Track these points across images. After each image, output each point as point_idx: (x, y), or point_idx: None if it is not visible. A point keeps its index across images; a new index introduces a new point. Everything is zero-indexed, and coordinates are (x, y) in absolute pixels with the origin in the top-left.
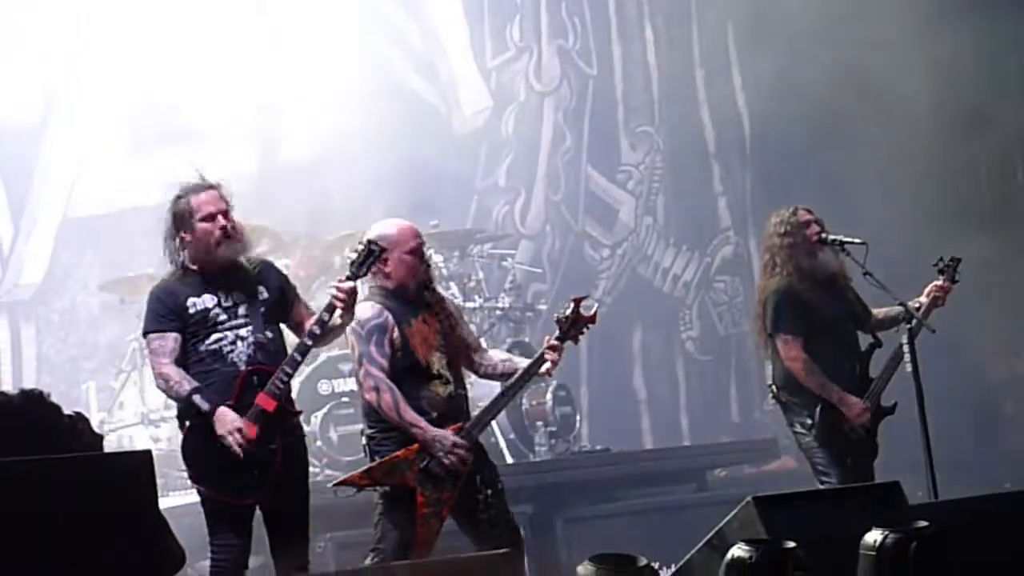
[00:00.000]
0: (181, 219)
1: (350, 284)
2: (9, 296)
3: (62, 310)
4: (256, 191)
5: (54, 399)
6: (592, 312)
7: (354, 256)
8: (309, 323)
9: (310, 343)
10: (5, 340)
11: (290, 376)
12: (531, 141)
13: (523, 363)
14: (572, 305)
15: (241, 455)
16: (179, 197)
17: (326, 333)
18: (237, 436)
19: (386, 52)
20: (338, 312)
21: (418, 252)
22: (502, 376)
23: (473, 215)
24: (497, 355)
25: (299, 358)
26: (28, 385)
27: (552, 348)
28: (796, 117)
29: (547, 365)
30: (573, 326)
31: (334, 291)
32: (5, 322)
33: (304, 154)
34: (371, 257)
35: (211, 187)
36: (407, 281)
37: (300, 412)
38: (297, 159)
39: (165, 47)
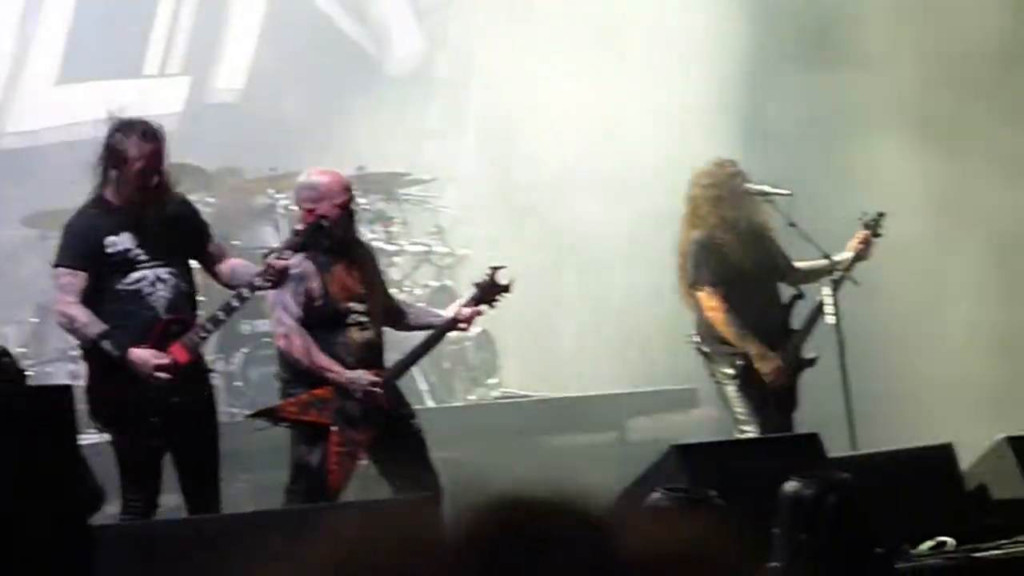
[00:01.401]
0: (116, 157)
1: (285, 263)
2: None
3: None
4: (182, 127)
5: None
6: (507, 282)
7: (300, 228)
8: (223, 264)
9: (237, 304)
10: None
11: (211, 332)
12: (463, 84)
13: (438, 319)
14: (490, 272)
15: (166, 382)
16: (117, 132)
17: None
18: (160, 374)
19: None
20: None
21: (346, 205)
22: (416, 327)
23: (403, 157)
24: (417, 307)
25: (223, 316)
26: None
27: (467, 310)
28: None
29: (462, 325)
30: (489, 292)
31: (272, 264)
32: None
33: (231, 91)
34: (319, 234)
35: (156, 138)
36: (333, 232)
37: (212, 370)
38: (224, 96)
39: None
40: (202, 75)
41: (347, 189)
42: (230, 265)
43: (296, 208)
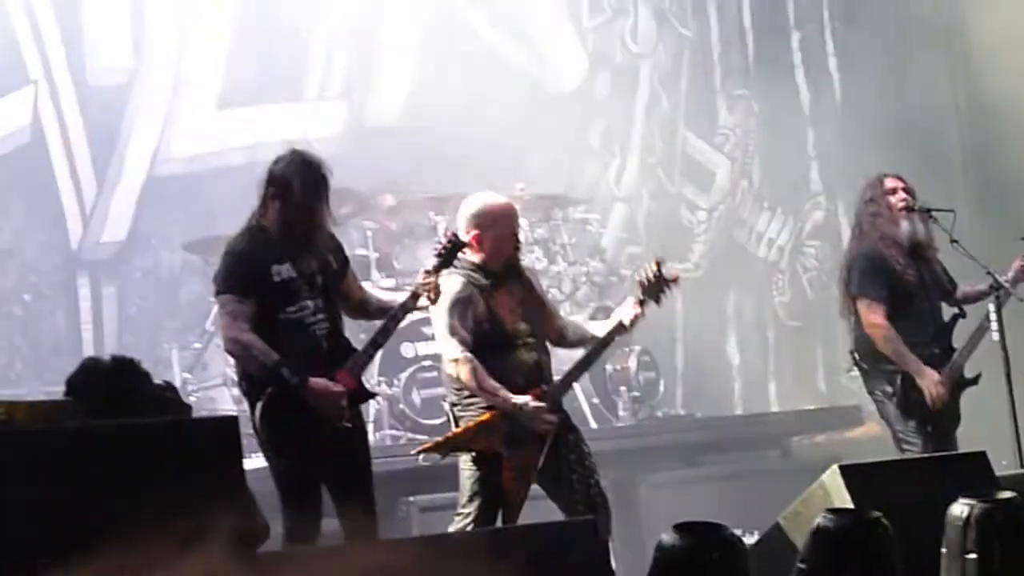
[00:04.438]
0: (280, 185)
1: (434, 279)
2: (91, 254)
3: (145, 269)
4: (341, 152)
5: (138, 359)
6: (674, 274)
7: (439, 248)
8: (358, 296)
9: (393, 327)
10: (87, 298)
11: (372, 357)
12: (626, 103)
13: (600, 327)
14: (654, 266)
15: (344, 414)
16: (283, 160)
17: (403, 318)
18: (339, 404)
19: (473, 15)
20: (421, 302)
21: (515, 233)
22: (580, 343)
23: (566, 178)
24: (574, 322)
25: (382, 341)
26: (111, 344)
27: (633, 309)
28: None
29: (628, 319)
30: (655, 287)
31: (420, 283)
32: (86, 280)
33: (390, 116)
34: (455, 250)
35: (320, 169)
36: (497, 259)
37: (376, 395)
38: (383, 120)
39: (254, 4)
40: (360, 99)
41: (514, 217)
42: (365, 294)
43: (458, 232)
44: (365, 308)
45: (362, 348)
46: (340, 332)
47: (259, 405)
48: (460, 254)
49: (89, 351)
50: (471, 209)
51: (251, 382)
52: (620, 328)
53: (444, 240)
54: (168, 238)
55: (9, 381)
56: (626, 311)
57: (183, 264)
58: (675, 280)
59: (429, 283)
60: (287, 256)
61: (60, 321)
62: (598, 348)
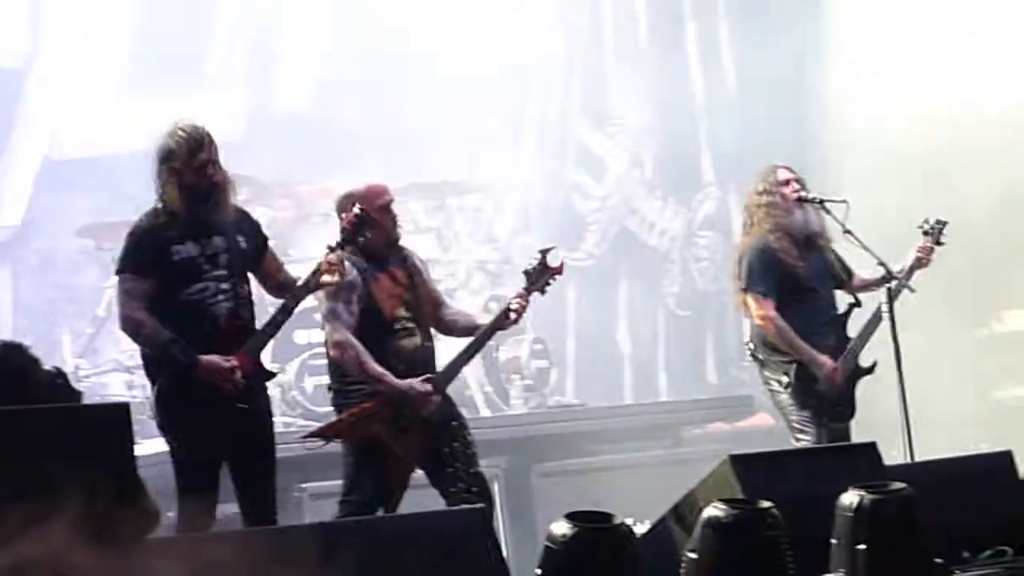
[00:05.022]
0: (168, 156)
1: (338, 255)
2: None
3: (41, 252)
4: (244, 139)
5: (30, 343)
6: (559, 263)
7: (344, 225)
8: (279, 276)
9: (293, 305)
10: None
11: (271, 336)
12: (521, 91)
13: (485, 320)
14: (539, 256)
15: (237, 388)
16: (170, 137)
17: (304, 296)
18: (230, 379)
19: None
20: (324, 278)
21: (387, 209)
22: (465, 330)
23: (462, 165)
24: (458, 311)
25: (282, 320)
26: (4, 328)
27: (518, 297)
28: (782, 76)
29: (512, 315)
30: (540, 277)
31: (324, 260)
32: None
33: (292, 102)
34: (363, 227)
35: (202, 134)
36: (378, 242)
37: (275, 374)
38: (285, 107)
39: None
40: (264, 84)
41: (385, 192)
42: (284, 274)
43: (340, 217)
44: (284, 286)
45: (262, 327)
46: (242, 313)
47: (156, 386)
48: (367, 235)
49: None
50: (341, 195)
51: (151, 364)
52: (504, 317)
53: (351, 215)
54: (65, 223)
55: None
56: (512, 301)
57: (80, 249)
58: (559, 270)
59: (333, 259)
60: (189, 236)
61: None
62: (483, 337)
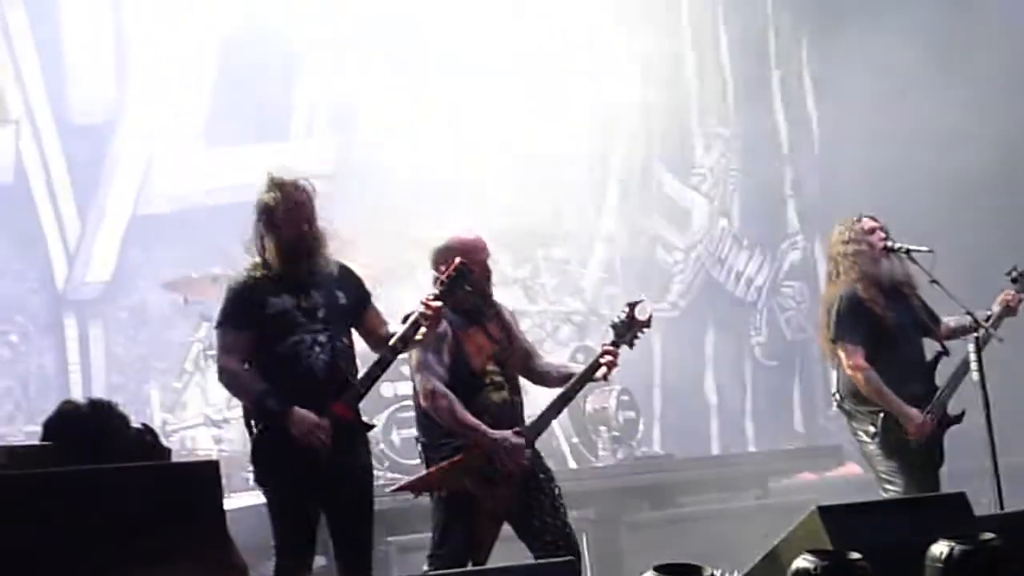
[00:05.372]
0: (267, 212)
1: (439, 304)
2: (76, 294)
3: (131, 308)
4: (328, 190)
5: (123, 399)
6: (647, 316)
7: (443, 276)
8: (382, 331)
9: (391, 358)
10: (73, 339)
11: (368, 388)
12: (606, 143)
13: (578, 368)
14: (627, 309)
15: (325, 444)
16: (267, 189)
17: (402, 350)
18: (319, 434)
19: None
20: (423, 330)
21: (484, 264)
22: (557, 381)
23: (547, 218)
24: (552, 362)
25: (379, 372)
26: (98, 385)
27: (607, 353)
28: (866, 123)
29: (602, 370)
30: (628, 330)
31: (422, 309)
32: (73, 320)
33: (376, 154)
34: (462, 279)
35: (303, 190)
36: (471, 292)
37: (373, 427)
38: (369, 160)
39: (239, 45)
40: (347, 138)
41: (483, 249)
42: (386, 330)
43: (433, 272)
44: (385, 342)
45: (359, 379)
46: (341, 366)
47: (253, 438)
48: (466, 287)
49: (77, 392)
50: (439, 244)
51: (245, 415)
52: (595, 370)
53: (449, 267)
54: (153, 277)
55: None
56: (602, 356)
57: (170, 304)
58: (648, 323)
59: (433, 307)
60: (285, 289)
61: (48, 361)
62: (572, 390)
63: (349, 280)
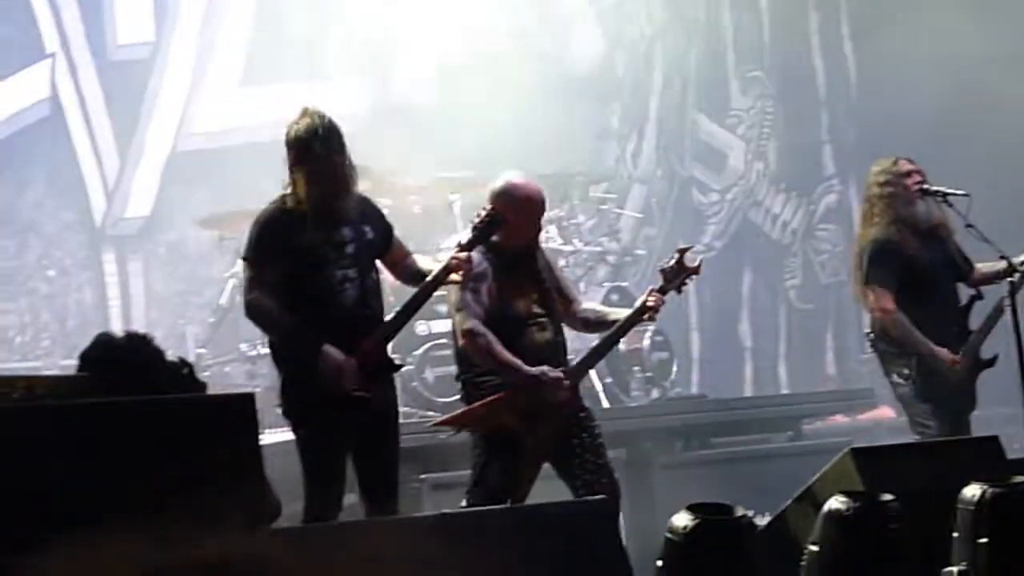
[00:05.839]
0: (299, 148)
1: (468, 253)
2: (115, 229)
3: (169, 244)
4: (366, 129)
5: (161, 333)
6: (696, 263)
7: (476, 221)
8: (407, 262)
9: (423, 298)
10: (112, 274)
11: (399, 328)
12: (643, 84)
13: (618, 313)
14: (676, 255)
15: (349, 392)
16: (298, 124)
17: (432, 291)
18: (344, 379)
19: None
20: (452, 276)
21: (539, 218)
22: (594, 326)
23: (586, 158)
24: (591, 306)
25: (411, 312)
26: (138, 320)
27: (653, 297)
28: (906, 67)
29: (648, 314)
30: (676, 276)
31: (454, 258)
32: (112, 256)
33: (415, 93)
34: (493, 225)
35: (331, 127)
36: (516, 242)
37: (401, 367)
38: (408, 98)
39: None
40: (385, 75)
41: (542, 203)
42: (411, 262)
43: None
44: (413, 275)
45: (389, 319)
46: (370, 302)
47: (282, 375)
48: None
49: (116, 327)
50: (498, 187)
51: (277, 352)
52: (640, 314)
53: (483, 214)
54: (192, 214)
55: (36, 357)
56: (648, 297)
57: (209, 240)
58: (697, 270)
59: (463, 257)
60: (315, 225)
61: (87, 297)
62: (616, 334)
63: (373, 214)
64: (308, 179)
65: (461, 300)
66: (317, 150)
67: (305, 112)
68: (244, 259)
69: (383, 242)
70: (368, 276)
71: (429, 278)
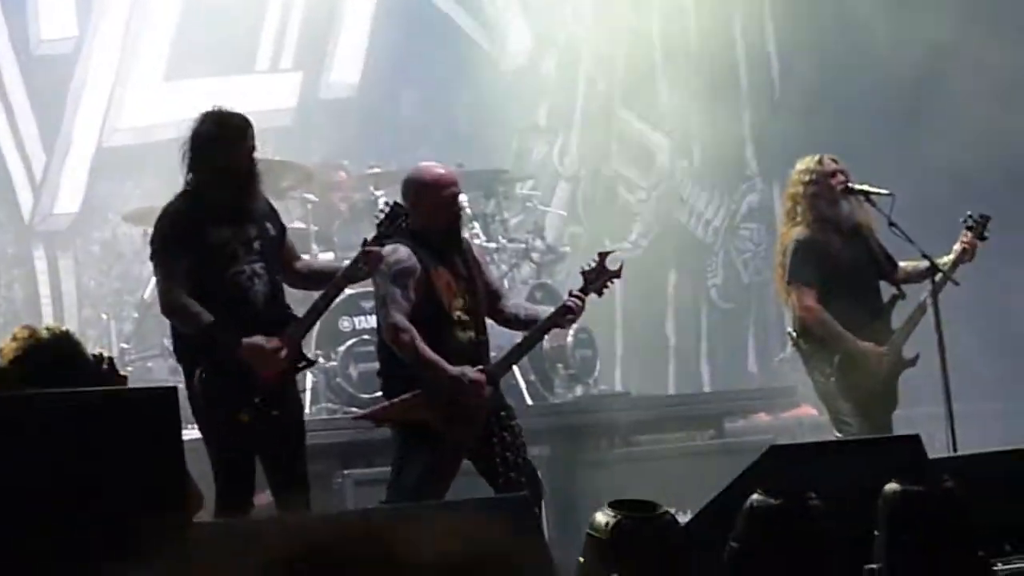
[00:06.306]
0: (203, 146)
1: (378, 249)
2: (44, 225)
3: (103, 241)
4: (293, 125)
5: (95, 332)
6: (617, 267)
7: (381, 217)
8: (296, 264)
9: (335, 293)
10: (43, 272)
11: (313, 323)
12: (570, 82)
13: (544, 312)
14: (598, 258)
15: (283, 368)
16: (204, 123)
17: (344, 287)
18: (276, 358)
19: None
20: (362, 271)
21: (452, 201)
22: (523, 324)
23: (513, 154)
24: (518, 303)
25: (323, 307)
26: (71, 318)
27: (574, 299)
28: (828, 64)
29: (569, 316)
30: (597, 279)
31: (366, 250)
32: (42, 252)
33: (345, 86)
34: (397, 220)
35: (238, 123)
36: (438, 227)
37: (315, 362)
38: (337, 91)
39: None
40: (315, 70)
41: (452, 183)
42: (307, 262)
43: (401, 202)
44: (302, 276)
45: (303, 314)
46: (279, 298)
47: (195, 375)
48: (403, 225)
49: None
50: (407, 176)
51: (185, 351)
52: (561, 315)
53: (386, 209)
54: (123, 210)
55: None
56: (568, 299)
57: (127, 236)
58: (618, 273)
59: (371, 252)
60: (223, 219)
61: (16, 294)
62: (537, 334)
63: (273, 212)
64: (214, 177)
65: (388, 295)
66: (223, 148)
67: (207, 111)
68: (153, 254)
69: (279, 241)
70: (276, 272)
71: (340, 273)
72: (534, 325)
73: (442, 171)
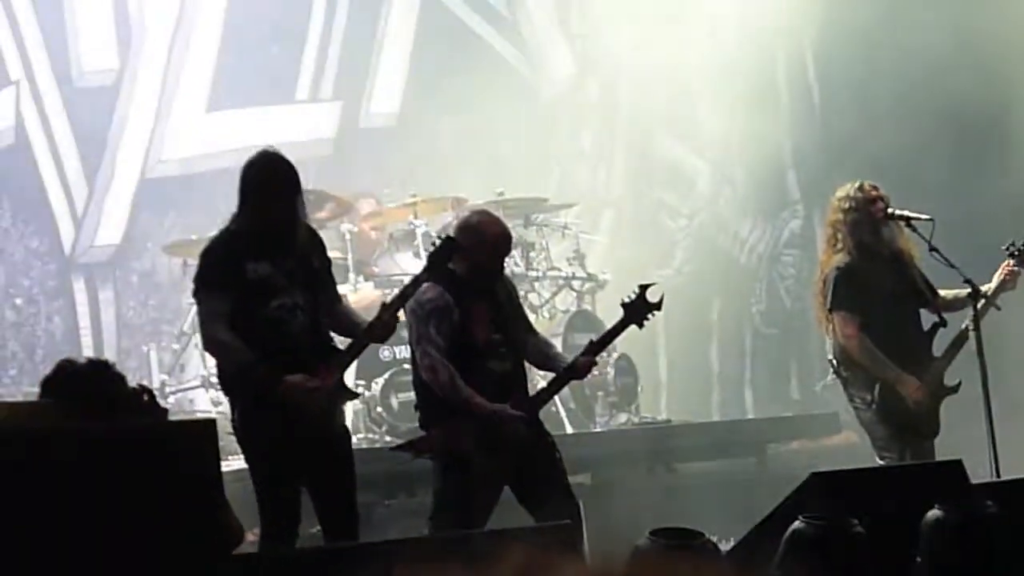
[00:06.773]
0: (251, 190)
1: (394, 323)
2: (86, 257)
3: (141, 272)
4: (332, 155)
5: (135, 363)
6: (658, 299)
7: (432, 251)
8: (341, 313)
9: (365, 344)
10: (83, 303)
11: (354, 357)
12: (612, 108)
13: (563, 360)
14: (638, 290)
15: (321, 407)
16: (252, 167)
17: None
18: (316, 397)
19: (469, 13)
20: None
21: (504, 254)
22: (540, 365)
23: (555, 181)
24: (541, 342)
25: (364, 345)
26: (110, 348)
27: (584, 360)
28: (870, 93)
29: (583, 372)
30: (638, 311)
31: (378, 318)
32: (82, 284)
33: (384, 115)
34: (447, 254)
35: (282, 163)
36: (483, 270)
37: (358, 395)
38: (377, 120)
39: (243, 3)
40: (355, 100)
41: (505, 239)
42: (339, 312)
43: (453, 236)
44: (333, 325)
45: (345, 348)
46: (321, 330)
47: (238, 406)
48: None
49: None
50: (466, 222)
51: (230, 383)
52: (573, 370)
53: (439, 243)
54: (163, 241)
55: (2, 386)
56: (579, 359)
57: (182, 268)
58: (658, 305)
59: (387, 318)
60: (263, 254)
61: (56, 326)
62: (562, 379)
63: (318, 245)
64: (257, 214)
65: (421, 336)
66: (269, 194)
67: (261, 153)
68: (196, 292)
69: (324, 275)
70: (317, 304)
71: (391, 301)
72: (555, 368)
73: (503, 228)
